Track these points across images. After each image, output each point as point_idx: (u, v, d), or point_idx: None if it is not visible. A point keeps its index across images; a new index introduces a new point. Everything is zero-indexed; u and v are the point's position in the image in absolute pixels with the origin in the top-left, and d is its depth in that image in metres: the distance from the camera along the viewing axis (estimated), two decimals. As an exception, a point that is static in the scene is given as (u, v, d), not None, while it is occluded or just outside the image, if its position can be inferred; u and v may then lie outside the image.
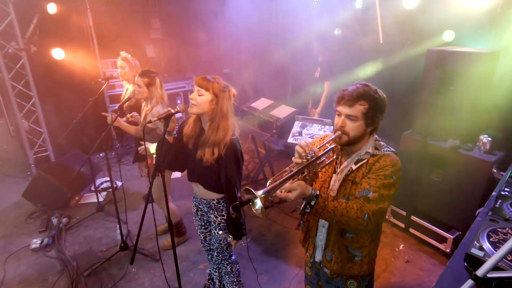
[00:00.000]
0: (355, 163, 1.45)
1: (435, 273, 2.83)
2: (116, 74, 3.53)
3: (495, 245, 1.33)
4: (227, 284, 2.30)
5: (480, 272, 1.09)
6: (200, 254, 3.10)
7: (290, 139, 3.36)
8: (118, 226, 3.07)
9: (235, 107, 1.93)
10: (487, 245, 1.34)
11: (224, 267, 2.24)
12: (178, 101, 5.90)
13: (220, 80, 1.85)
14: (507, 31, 2.97)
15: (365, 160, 1.43)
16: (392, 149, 1.46)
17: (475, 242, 1.35)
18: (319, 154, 1.35)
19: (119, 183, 4.31)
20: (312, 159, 1.29)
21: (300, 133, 3.37)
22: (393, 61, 3.93)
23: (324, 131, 3.28)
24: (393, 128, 3.57)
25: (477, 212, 1.78)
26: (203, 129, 1.92)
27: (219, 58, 6.27)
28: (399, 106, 3.76)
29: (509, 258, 1.22)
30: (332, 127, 2.82)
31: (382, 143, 1.48)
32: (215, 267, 2.32)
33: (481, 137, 2.80)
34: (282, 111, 3.82)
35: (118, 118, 2.78)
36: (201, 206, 2.17)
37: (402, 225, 3.34)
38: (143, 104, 2.84)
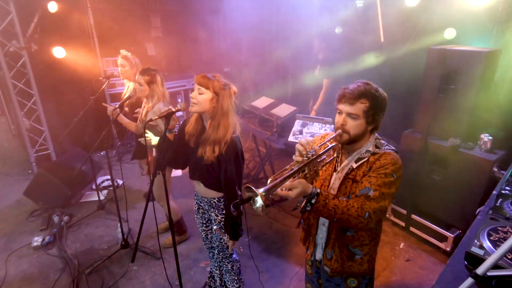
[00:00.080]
0: (356, 162, 1.45)
1: (435, 272, 2.83)
2: (116, 73, 3.54)
3: (496, 244, 1.34)
4: (228, 282, 2.31)
5: (480, 270, 1.10)
6: (201, 252, 3.11)
7: (291, 138, 3.36)
8: (119, 224, 3.08)
9: (236, 105, 1.93)
10: (487, 244, 1.34)
11: (225, 265, 2.24)
12: (179, 100, 5.90)
13: (220, 78, 1.85)
14: (509, 29, 2.96)
15: (366, 159, 1.43)
16: (393, 148, 1.46)
17: (475, 241, 1.35)
18: (320, 153, 1.35)
19: (120, 181, 4.32)
20: (313, 157, 1.29)
21: (300, 132, 3.37)
22: (394, 59, 3.93)
23: (325, 130, 3.28)
24: (394, 127, 3.57)
25: (477, 211, 1.78)
26: (204, 127, 1.92)
27: (220, 57, 6.27)
28: (400, 104, 3.75)
29: (509, 257, 1.22)
30: (332, 125, 2.82)
31: (383, 141, 1.48)
32: (216, 265, 2.33)
33: (482, 136, 2.79)
34: (283, 110, 3.82)
35: (120, 114, 2.78)
36: (202, 204, 2.17)
37: (403, 224, 3.34)
38: (144, 101, 2.84)
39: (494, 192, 1.80)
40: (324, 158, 1.51)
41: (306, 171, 1.33)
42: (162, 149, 1.88)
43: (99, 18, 4.88)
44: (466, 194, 2.82)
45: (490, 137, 2.76)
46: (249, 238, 3.27)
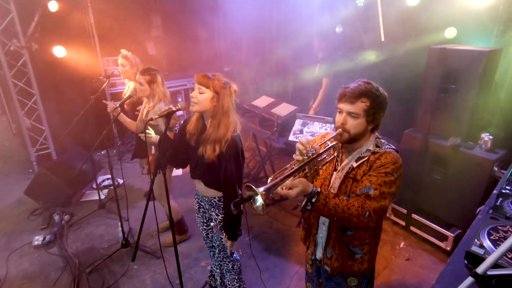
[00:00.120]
0: (356, 161, 1.45)
1: (435, 271, 2.84)
2: (117, 72, 3.54)
3: (496, 243, 1.34)
4: (229, 281, 2.31)
5: (480, 269, 1.10)
6: (202, 252, 3.11)
7: (291, 137, 3.36)
8: (119, 223, 3.08)
9: (237, 104, 1.93)
10: (487, 243, 1.34)
11: (225, 265, 2.25)
12: (179, 99, 5.90)
13: (220, 77, 1.85)
14: (510, 29, 2.96)
15: (366, 158, 1.43)
16: (393, 147, 1.46)
17: (476, 240, 1.36)
18: (320, 152, 1.36)
19: (120, 181, 4.33)
20: (313, 156, 1.29)
21: (301, 131, 3.37)
22: (394, 58, 3.92)
23: (325, 129, 3.28)
24: (395, 126, 3.57)
25: (477, 210, 1.78)
26: (205, 126, 1.92)
27: (220, 56, 6.27)
28: (401, 103, 3.75)
29: (509, 256, 1.22)
30: (333, 125, 2.82)
31: (383, 140, 1.48)
32: (216, 264, 2.33)
33: (483, 135, 2.79)
34: (283, 109, 3.82)
35: (121, 113, 2.78)
36: (203, 204, 2.17)
37: (403, 223, 3.34)
38: (145, 101, 2.84)
39: (495, 191, 1.81)
40: (325, 157, 1.51)
41: (307, 170, 1.33)
42: (162, 148, 1.88)
43: (100, 17, 4.88)
44: (466, 194, 2.82)
45: (491, 137, 2.76)
46: (250, 237, 3.27)
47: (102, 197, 3.91)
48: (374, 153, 1.42)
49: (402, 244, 3.19)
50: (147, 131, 2.47)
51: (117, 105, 2.75)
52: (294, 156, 1.31)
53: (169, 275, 2.22)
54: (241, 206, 1.22)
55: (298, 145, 1.31)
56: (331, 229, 1.55)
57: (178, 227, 3.15)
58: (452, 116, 2.91)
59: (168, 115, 1.82)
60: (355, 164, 1.45)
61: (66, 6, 4.46)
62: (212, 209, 2.08)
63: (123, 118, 2.87)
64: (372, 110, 1.37)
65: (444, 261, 2.90)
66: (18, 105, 4.38)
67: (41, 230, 3.43)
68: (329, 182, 1.53)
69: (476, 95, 2.74)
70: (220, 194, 2.02)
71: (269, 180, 1.21)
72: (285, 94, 5.75)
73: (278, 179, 1.18)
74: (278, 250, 3.15)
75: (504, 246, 1.06)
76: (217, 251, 2.21)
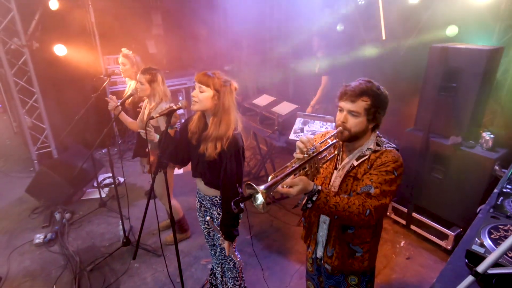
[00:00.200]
0: (357, 159, 1.45)
1: (435, 270, 2.84)
2: (118, 71, 3.54)
3: (496, 242, 1.34)
4: (230, 279, 2.31)
5: (480, 268, 1.10)
6: (202, 250, 3.12)
7: (292, 136, 3.36)
8: (120, 221, 3.09)
9: (237, 102, 1.92)
10: (488, 242, 1.34)
11: (227, 263, 2.25)
12: (180, 98, 5.90)
13: (220, 75, 1.85)
14: (511, 27, 2.95)
15: (367, 156, 1.43)
16: (394, 145, 1.46)
17: (476, 239, 1.36)
18: (321, 150, 1.36)
19: (121, 179, 4.33)
20: (314, 154, 1.29)
21: (301, 130, 3.37)
22: (395, 57, 3.91)
23: (326, 128, 3.27)
24: (395, 125, 3.57)
25: (478, 209, 1.78)
26: (206, 124, 1.92)
27: (221, 55, 6.26)
28: (402, 102, 3.75)
29: (509, 255, 1.22)
30: (334, 123, 2.82)
31: (384, 139, 1.48)
32: (218, 262, 2.33)
33: (484, 134, 2.79)
34: (284, 108, 3.82)
35: (122, 112, 2.78)
36: (204, 202, 2.17)
37: (403, 222, 3.34)
38: (146, 101, 2.84)
39: (495, 190, 1.80)
40: (325, 156, 1.51)
41: (307, 169, 1.33)
42: (163, 145, 1.88)
43: (100, 15, 4.88)
44: (467, 192, 2.81)
45: (492, 135, 2.75)
46: (251, 235, 3.28)
47: (103, 195, 3.92)
48: (374, 151, 1.42)
49: (402, 243, 3.19)
50: (148, 128, 2.48)
51: (118, 103, 2.75)
52: (294, 154, 1.31)
53: (170, 273, 2.23)
54: (242, 204, 1.22)
55: (298, 143, 1.31)
56: (331, 227, 1.55)
57: (179, 226, 3.16)
58: (453, 115, 2.91)
59: (169, 114, 1.82)
60: (355, 163, 1.45)
61: (66, 4, 4.46)
62: (214, 208, 2.08)
63: (124, 117, 2.87)
64: (373, 109, 1.37)
65: (445, 260, 2.90)
66: (19, 103, 4.39)
67: (42, 228, 3.44)
68: (330, 181, 1.53)
69: (477, 94, 2.73)
70: None
71: (269, 178, 1.21)
72: (286, 92, 5.74)
73: (278, 177, 1.18)
74: (279, 249, 3.15)
75: (504, 245, 1.06)
76: (218, 249, 2.21)
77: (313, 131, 3.30)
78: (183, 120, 2.26)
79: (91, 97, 3.32)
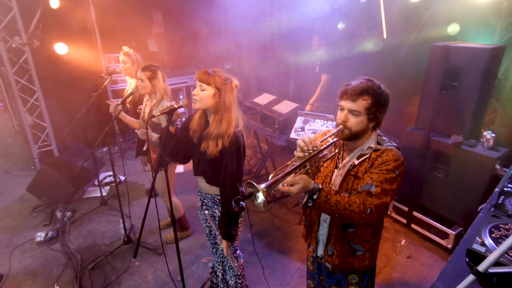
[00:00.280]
0: (358, 158, 1.45)
1: (436, 269, 2.84)
2: (118, 69, 3.54)
3: (497, 241, 1.33)
4: (231, 277, 2.32)
5: (481, 267, 1.10)
6: (203, 248, 3.12)
7: (293, 135, 3.36)
8: (121, 220, 3.10)
9: (238, 100, 1.92)
10: (489, 241, 1.34)
11: (228, 261, 2.25)
12: (181, 96, 5.90)
13: (221, 72, 1.85)
14: (513, 26, 2.94)
15: (368, 155, 1.43)
16: (395, 144, 1.45)
17: (477, 238, 1.35)
18: (321, 148, 1.35)
19: (122, 178, 4.34)
20: (314, 153, 1.29)
21: (302, 129, 3.37)
22: (397, 55, 3.90)
23: (327, 127, 3.27)
24: (396, 123, 3.56)
25: (479, 208, 1.78)
26: (208, 122, 1.92)
27: (222, 53, 6.25)
28: (403, 101, 3.74)
29: (510, 254, 1.22)
30: (334, 122, 2.81)
31: (385, 138, 1.47)
32: (219, 260, 2.34)
33: (485, 133, 2.78)
34: (285, 107, 3.82)
35: (122, 112, 2.78)
36: (205, 201, 2.17)
37: (404, 221, 3.34)
38: (145, 99, 2.84)
39: (496, 189, 1.80)
40: (326, 154, 1.51)
41: (308, 167, 1.33)
42: (164, 142, 1.88)
43: (101, 14, 4.88)
44: (468, 192, 2.81)
45: (493, 134, 2.75)
46: (252, 234, 3.28)
47: (104, 194, 3.92)
48: (375, 150, 1.42)
49: (403, 242, 3.19)
50: (143, 131, 2.51)
51: (119, 102, 2.76)
52: (295, 152, 1.31)
53: (171, 271, 2.24)
54: (243, 202, 1.22)
55: (299, 142, 1.31)
56: (332, 226, 1.55)
57: (179, 224, 3.16)
58: (454, 114, 2.90)
59: (170, 112, 1.82)
60: (356, 162, 1.45)
61: (67, 3, 4.46)
62: (215, 206, 2.08)
63: (125, 116, 2.88)
64: (374, 108, 1.37)
65: (445, 259, 2.90)
66: (20, 102, 4.39)
67: (43, 226, 3.45)
68: (330, 180, 1.53)
69: (478, 93, 2.72)
70: None
71: (270, 177, 1.21)
72: (287, 91, 5.74)
73: (279, 176, 1.18)
74: (279, 247, 3.15)
75: (505, 244, 1.06)
76: (220, 248, 2.21)
77: (314, 130, 3.30)
78: (183, 119, 2.26)
79: (92, 95, 3.32)
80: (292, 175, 1.23)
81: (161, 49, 5.95)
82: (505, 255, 1.20)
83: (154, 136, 2.60)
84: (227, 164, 1.85)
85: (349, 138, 1.43)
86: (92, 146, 3.31)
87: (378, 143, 1.44)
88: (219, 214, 2.08)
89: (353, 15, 4.42)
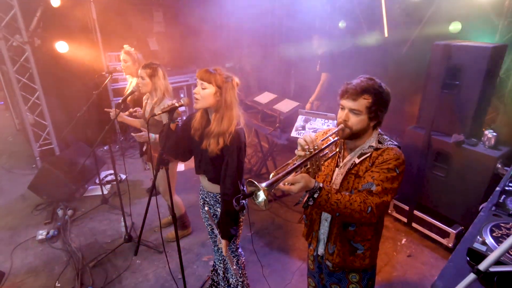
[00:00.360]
0: (358, 157, 1.45)
1: (437, 267, 2.84)
2: (119, 68, 3.54)
3: (498, 240, 1.33)
4: (232, 276, 2.32)
5: (482, 266, 1.10)
6: (204, 247, 3.13)
7: (293, 133, 3.36)
8: (122, 218, 3.10)
9: (240, 98, 1.92)
10: (489, 240, 1.34)
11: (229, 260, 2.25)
12: (182, 95, 5.90)
13: (222, 71, 1.85)
14: (515, 24, 2.92)
15: (369, 154, 1.43)
16: (396, 143, 1.45)
17: (478, 237, 1.35)
18: (322, 147, 1.35)
19: (123, 176, 4.35)
20: (315, 151, 1.29)
21: (303, 127, 3.36)
22: (398, 54, 3.89)
23: (328, 126, 3.27)
24: (398, 122, 3.56)
25: (480, 207, 1.78)
26: (209, 120, 1.92)
27: (222, 52, 6.24)
28: (404, 100, 3.74)
29: (511, 253, 1.22)
30: (335, 121, 2.81)
31: (386, 136, 1.47)
32: (220, 258, 2.34)
33: (486, 132, 2.78)
34: (286, 105, 3.81)
35: (121, 113, 2.78)
36: (207, 199, 2.18)
37: (405, 220, 3.34)
38: (145, 97, 2.84)
39: (498, 188, 1.80)
40: (327, 153, 1.51)
41: (309, 166, 1.33)
42: (163, 138, 1.88)
43: (102, 12, 4.87)
44: (469, 191, 2.81)
45: (494, 133, 2.74)
46: (252, 232, 3.29)
47: (105, 192, 3.93)
48: (376, 149, 1.42)
49: (403, 241, 3.19)
50: (144, 132, 2.52)
51: (120, 100, 2.76)
52: (296, 151, 1.31)
53: (172, 269, 2.24)
54: (245, 201, 1.22)
55: (300, 141, 1.30)
56: (333, 225, 1.55)
57: (180, 222, 3.17)
58: (455, 113, 2.90)
59: (171, 111, 1.82)
60: (357, 160, 1.44)
61: (68, 1, 4.45)
62: (217, 205, 2.09)
63: (126, 119, 2.88)
64: (375, 107, 1.36)
65: (446, 258, 2.90)
66: (21, 100, 4.40)
67: (44, 224, 3.46)
68: (331, 178, 1.53)
69: (480, 92, 2.72)
70: None
71: (271, 176, 1.21)
72: (288, 90, 5.73)
73: (280, 175, 1.18)
74: (280, 246, 3.16)
75: (506, 243, 1.06)
76: (220, 247, 2.22)
77: (314, 129, 3.30)
78: (184, 118, 2.27)
79: (92, 94, 3.32)
80: (293, 174, 1.23)
81: (162, 47, 5.95)
82: (506, 254, 1.20)
83: (152, 136, 2.60)
84: (228, 161, 1.85)
85: (350, 137, 1.42)
86: (93, 145, 3.32)
87: (379, 142, 1.44)
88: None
89: (354, 14, 4.41)
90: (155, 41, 5.88)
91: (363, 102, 1.35)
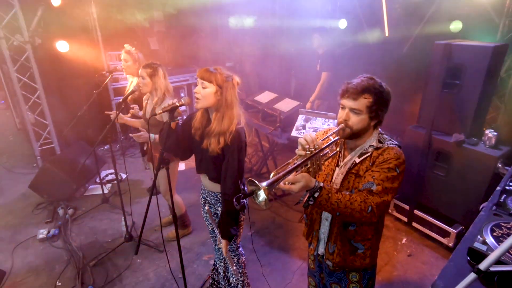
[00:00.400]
0: (359, 157, 1.45)
1: (437, 267, 2.84)
2: (120, 67, 3.54)
3: (499, 240, 1.34)
4: (232, 275, 2.32)
5: (483, 265, 1.10)
6: (204, 246, 3.14)
7: (294, 133, 3.36)
8: (123, 217, 3.11)
9: (240, 97, 1.92)
10: (490, 240, 1.34)
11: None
12: (182, 94, 5.90)
13: (222, 70, 1.85)
14: (516, 24, 2.92)
15: (369, 153, 1.42)
16: (396, 142, 1.45)
17: (478, 236, 1.35)
18: (323, 147, 1.35)
19: (123, 175, 4.35)
20: (316, 151, 1.29)
21: (304, 127, 3.36)
22: (399, 53, 3.89)
23: (328, 125, 3.27)
24: (398, 122, 3.56)
25: (481, 207, 1.78)
26: (210, 119, 1.92)
27: (223, 51, 6.24)
28: (405, 99, 3.73)
29: (512, 252, 1.22)
30: (336, 121, 2.81)
31: (386, 136, 1.47)
32: (221, 258, 2.34)
33: (487, 131, 2.77)
34: (286, 105, 3.81)
35: (121, 114, 2.79)
36: (208, 199, 2.18)
37: (405, 219, 3.34)
38: (145, 97, 2.84)
39: (498, 188, 1.80)
40: (327, 153, 1.51)
41: (309, 165, 1.33)
42: (163, 135, 1.88)
43: (103, 11, 4.87)
44: (469, 190, 2.81)
45: (495, 133, 2.74)
46: (252, 232, 3.29)
47: (106, 191, 3.93)
48: (377, 148, 1.42)
49: (404, 240, 3.20)
50: (142, 132, 2.52)
51: (120, 100, 2.76)
52: (296, 151, 1.31)
53: (172, 269, 2.25)
54: (246, 200, 1.22)
55: (300, 140, 1.30)
56: (333, 224, 1.55)
57: (181, 222, 3.18)
58: (456, 112, 2.89)
59: (171, 110, 1.82)
60: (357, 160, 1.44)
61: (69, 0, 4.46)
62: (218, 204, 2.09)
63: (127, 120, 2.88)
64: (375, 106, 1.36)
65: (446, 257, 2.90)
66: (22, 99, 4.40)
67: (45, 223, 3.46)
68: (332, 178, 1.53)
69: (481, 91, 2.71)
70: None
71: (271, 175, 1.21)
72: (288, 89, 5.73)
73: (280, 174, 1.18)
74: (281, 245, 3.16)
75: (507, 243, 1.06)
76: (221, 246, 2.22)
77: (315, 128, 3.30)
78: (184, 117, 2.27)
79: (93, 93, 3.32)
80: (294, 173, 1.23)
81: (162, 47, 5.94)
82: (507, 253, 1.20)
83: (152, 136, 2.60)
84: (229, 160, 1.85)
85: (350, 136, 1.42)
86: (93, 144, 3.32)
87: (380, 142, 1.44)
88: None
89: (355, 13, 4.41)
90: (156, 40, 5.87)
91: (363, 102, 1.35)
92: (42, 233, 3.23)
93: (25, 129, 5.01)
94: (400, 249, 3.08)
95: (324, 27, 4.53)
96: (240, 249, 2.27)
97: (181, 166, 4.66)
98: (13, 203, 3.88)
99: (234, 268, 2.18)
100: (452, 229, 2.91)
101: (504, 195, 1.70)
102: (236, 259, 2.24)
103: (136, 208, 3.62)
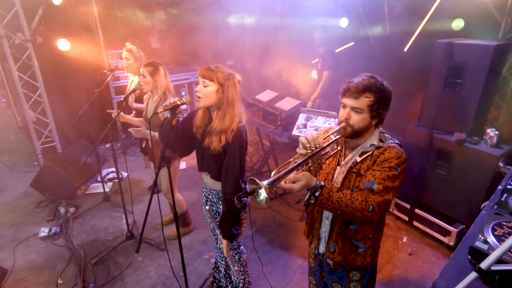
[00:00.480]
0: (360, 156, 1.45)
1: (438, 266, 2.84)
2: (121, 66, 3.54)
3: (500, 239, 1.33)
4: (233, 273, 2.33)
5: (484, 264, 1.10)
6: (205, 244, 3.14)
7: (295, 132, 3.36)
8: (124, 215, 3.12)
9: (241, 96, 1.92)
10: (491, 239, 1.34)
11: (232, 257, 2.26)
12: (183, 93, 5.90)
13: (223, 68, 1.85)
14: (518, 22, 2.91)
15: (370, 152, 1.42)
16: (397, 141, 1.45)
17: (480, 236, 1.35)
18: (324, 145, 1.35)
19: (124, 174, 4.36)
20: (317, 150, 1.29)
21: (305, 126, 3.36)
22: (400, 52, 3.88)
23: (329, 124, 3.26)
24: (399, 121, 3.55)
25: (482, 206, 1.78)
26: (211, 118, 1.92)
27: (224, 49, 6.24)
28: (406, 98, 3.72)
29: (513, 251, 1.22)
30: (337, 119, 2.81)
31: (387, 135, 1.47)
32: (222, 256, 2.35)
33: (488, 130, 2.77)
34: (287, 103, 3.81)
35: (122, 113, 2.79)
36: (210, 197, 2.18)
37: (406, 218, 3.34)
38: (146, 97, 2.84)
39: (499, 187, 1.80)
40: (328, 151, 1.51)
41: (310, 164, 1.33)
42: (163, 132, 1.88)
43: (104, 10, 4.87)
44: (471, 189, 2.80)
45: (496, 132, 2.73)
46: (252, 231, 3.29)
47: (107, 190, 3.94)
48: (378, 147, 1.42)
49: (405, 239, 3.20)
50: (134, 130, 2.53)
51: (122, 98, 2.76)
52: (297, 150, 1.31)
53: (173, 267, 2.25)
54: (247, 198, 1.22)
55: (301, 139, 1.30)
56: (334, 223, 1.55)
57: (182, 220, 3.18)
58: (457, 111, 2.89)
59: (173, 109, 1.82)
60: (358, 159, 1.44)
61: (70, -1, 4.46)
62: (220, 202, 2.09)
63: (128, 119, 2.88)
64: (376, 105, 1.36)
65: (447, 256, 2.90)
66: (23, 98, 4.41)
67: (47, 222, 3.48)
68: (333, 177, 1.53)
69: (482, 90, 2.71)
70: None
71: (272, 174, 1.21)
72: (289, 88, 5.72)
73: (281, 173, 1.18)
74: (281, 244, 3.17)
75: (508, 242, 1.06)
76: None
77: (316, 127, 3.29)
78: (185, 115, 2.27)
79: (94, 92, 3.33)
80: (295, 172, 1.23)
81: (163, 45, 5.94)
82: (508, 253, 1.20)
83: (152, 134, 2.60)
84: (230, 159, 1.85)
85: (351, 135, 1.42)
86: (94, 142, 3.32)
87: (381, 141, 1.44)
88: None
89: (356, 11, 4.39)
90: (157, 39, 5.87)
91: (364, 101, 1.35)
92: (44, 231, 3.24)
93: (26, 127, 5.02)
94: (401, 248, 3.08)
95: (326, 25, 4.52)
96: (242, 247, 2.27)
97: (182, 164, 4.66)
98: (14, 202, 3.89)
99: (236, 268, 2.18)
100: (453, 228, 2.91)
101: (506, 194, 1.69)
102: (237, 257, 2.25)
103: (137, 206, 3.63)
